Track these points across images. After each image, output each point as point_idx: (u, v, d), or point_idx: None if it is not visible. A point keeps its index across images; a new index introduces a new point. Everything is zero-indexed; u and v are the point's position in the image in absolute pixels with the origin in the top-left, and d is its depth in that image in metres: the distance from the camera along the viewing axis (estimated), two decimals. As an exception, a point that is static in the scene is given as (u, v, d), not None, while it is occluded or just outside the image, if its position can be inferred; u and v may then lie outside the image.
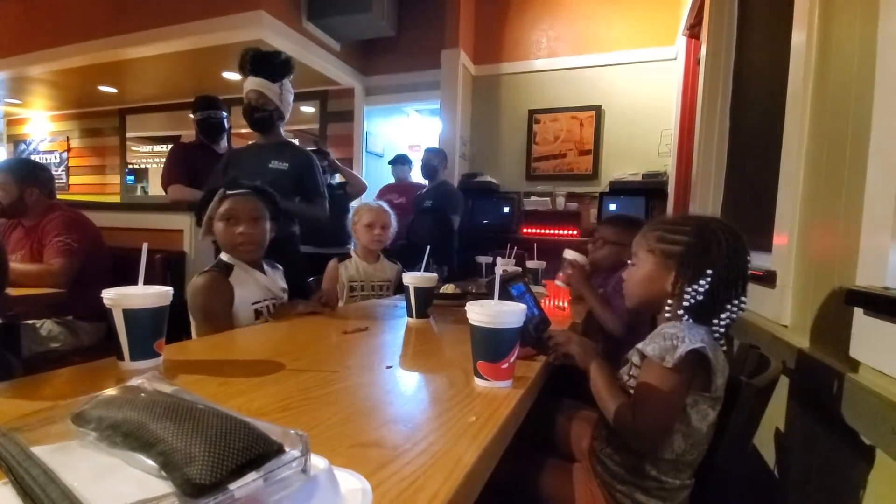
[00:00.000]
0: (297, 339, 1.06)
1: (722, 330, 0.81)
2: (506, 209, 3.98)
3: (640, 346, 0.80)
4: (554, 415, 1.16)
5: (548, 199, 3.98)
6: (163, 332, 0.77)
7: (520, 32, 4.20)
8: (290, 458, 0.27)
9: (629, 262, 0.96)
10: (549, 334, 0.95)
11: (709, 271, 0.81)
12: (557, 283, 1.62)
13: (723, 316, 0.81)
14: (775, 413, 1.05)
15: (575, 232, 3.75)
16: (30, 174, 1.96)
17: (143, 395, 0.32)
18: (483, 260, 2.54)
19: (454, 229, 3.46)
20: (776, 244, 1.25)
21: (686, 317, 0.80)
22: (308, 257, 2.47)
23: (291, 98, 2.12)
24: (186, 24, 3.49)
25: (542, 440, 1.14)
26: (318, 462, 0.30)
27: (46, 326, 1.90)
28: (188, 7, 3.46)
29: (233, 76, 4.31)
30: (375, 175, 4.93)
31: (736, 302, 0.81)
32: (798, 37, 1.21)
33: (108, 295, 0.72)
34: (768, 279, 1.21)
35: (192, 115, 2.72)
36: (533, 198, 4.00)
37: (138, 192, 5.62)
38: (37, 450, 0.28)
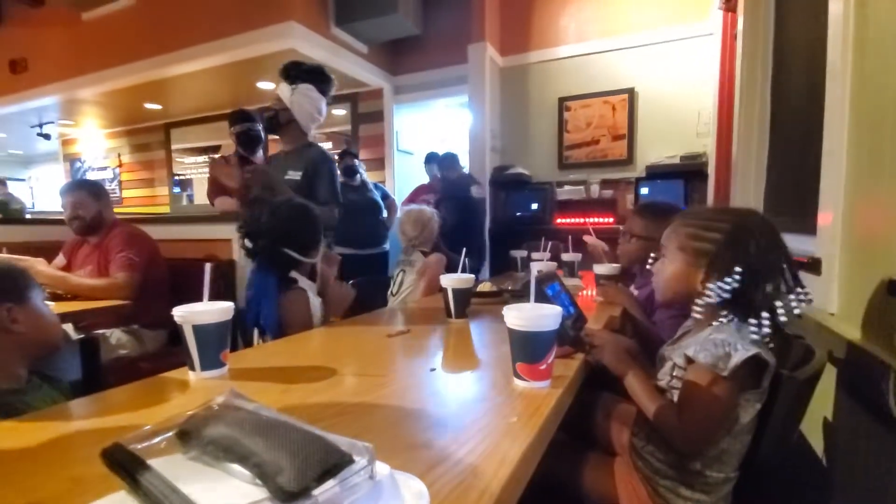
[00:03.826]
0: (344, 344, 1.12)
1: (764, 331, 0.78)
2: (539, 200, 3.96)
3: (688, 352, 0.81)
4: (593, 409, 1.18)
5: (581, 187, 3.93)
6: (227, 344, 0.85)
7: (546, 19, 4.14)
8: (359, 467, 0.32)
9: (652, 255, 0.97)
10: (587, 336, 0.97)
11: (738, 269, 0.79)
12: (598, 299, 1.61)
13: (764, 315, 0.79)
14: (823, 403, 1.03)
15: (611, 219, 3.69)
16: (100, 191, 2.14)
17: (231, 412, 0.38)
18: (518, 254, 2.55)
19: (476, 209, 3.47)
20: (821, 226, 1.21)
21: (728, 318, 0.80)
22: (345, 259, 2.56)
23: (309, 105, 2.06)
24: (222, 39, 3.65)
25: (583, 434, 1.16)
26: (381, 468, 0.35)
27: (115, 335, 2.07)
28: (223, 23, 3.61)
29: (267, 86, 4.47)
30: (407, 173, 5.00)
31: (780, 303, 0.79)
32: (835, 7, 1.17)
33: (179, 312, 0.80)
34: (813, 266, 1.18)
35: (230, 129, 2.85)
36: (566, 187, 3.96)
37: (184, 202, 5.93)
38: (152, 462, 0.34)
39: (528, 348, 0.75)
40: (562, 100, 4.10)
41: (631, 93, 3.87)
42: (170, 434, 0.37)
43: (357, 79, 4.34)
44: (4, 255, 1.94)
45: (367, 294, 1.98)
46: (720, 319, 0.82)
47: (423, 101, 4.85)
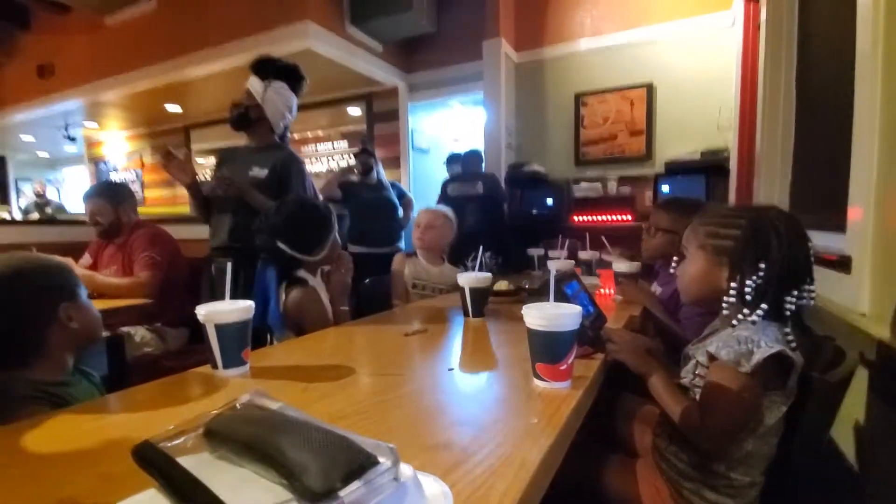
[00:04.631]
0: (362, 343, 1.13)
1: (786, 330, 0.77)
2: (555, 198, 3.92)
3: (710, 349, 0.79)
4: (615, 410, 1.17)
5: (598, 184, 3.88)
6: (248, 342, 0.86)
7: (562, 14, 4.09)
8: (384, 468, 0.32)
9: (675, 259, 0.95)
10: (606, 335, 0.95)
11: (762, 265, 0.78)
12: (615, 298, 1.59)
13: (785, 306, 0.78)
14: (855, 406, 1.00)
15: (629, 217, 3.64)
16: (120, 196, 2.19)
17: (256, 412, 0.38)
18: (535, 252, 2.53)
19: (504, 217, 3.48)
20: (851, 221, 1.17)
21: (754, 316, 0.78)
22: (357, 257, 2.54)
23: (281, 104, 1.99)
24: (239, 40, 3.70)
25: (604, 435, 1.15)
26: (405, 470, 0.35)
27: (140, 333, 2.12)
28: (240, 25, 3.66)
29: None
30: (422, 171, 5.01)
31: (796, 293, 0.78)
32: None
33: (202, 311, 0.81)
34: (842, 264, 1.15)
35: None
36: (583, 184, 3.91)
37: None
38: (181, 460, 0.35)
39: (547, 348, 0.74)
40: (578, 95, 4.05)
41: (649, 87, 3.80)
42: (197, 433, 0.38)
43: (372, 78, 4.35)
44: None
45: (379, 293, 1.96)
46: (743, 317, 0.80)
47: (438, 98, 4.85)
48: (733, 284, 0.80)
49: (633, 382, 1.10)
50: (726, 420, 0.77)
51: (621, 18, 3.87)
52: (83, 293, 0.97)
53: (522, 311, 0.77)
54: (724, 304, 0.82)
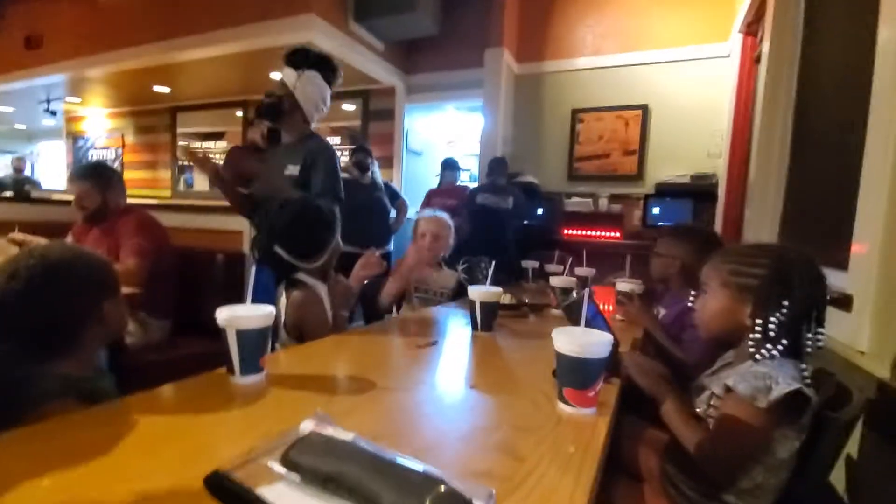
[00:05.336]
0: (375, 352, 1.11)
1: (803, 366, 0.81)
2: (547, 210, 3.96)
3: (728, 382, 0.81)
4: (618, 432, 1.18)
5: (590, 200, 3.94)
6: (267, 349, 0.83)
7: (564, 30, 4.15)
8: (484, 515, 0.31)
9: (693, 294, 0.97)
10: (619, 359, 0.96)
11: (785, 303, 0.81)
12: (617, 317, 1.61)
13: (803, 343, 0.81)
14: (850, 443, 1.03)
15: (618, 234, 3.71)
16: (108, 180, 2.09)
17: (336, 443, 0.37)
18: (529, 265, 2.54)
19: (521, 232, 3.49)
20: (854, 259, 1.21)
21: (773, 352, 0.80)
22: (348, 257, 2.50)
23: (315, 93, 1.95)
24: (239, 27, 3.61)
25: (609, 457, 1.16)
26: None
27: (122, 322, 2.03)
28: (241, 11, 3.58)
29: (280, 76, 4.43)
30: (414, 173, 4.99)
31: (810, 335, 0.81)
32: (887, 32, 1.17)
33: (223, 315, 0.78)
34: (842, 302, 1.19)
35: (263, 121, 2.72)
36: (575, 198, 3.97)
37: (181, 186, 5.88)
38: (260, 491, 0.33)
39: (578, 374, 0.74)
40: (575, 111, 4.11)
41: (644, 109, 3.89)
42: (266, 460, 0.36)
43: (370, 76, 4.31)
44: (18, 234, 1.90)
45: (369, 294, 1.91)
46: (763, 352, 0.82)
47: (435, 102, 4.84)
48: (758, 321, 0.82)
49: (637, 405, 1.11)
50: (735, 451, 0.79)
51: (621, 40, 3.95)
52: (120, 290, 0.95)
53: (553, 335, 0.77)
54: (749, 342, 0.84)
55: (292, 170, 1.89)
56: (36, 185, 5.56)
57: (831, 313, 1.22)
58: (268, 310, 0.81)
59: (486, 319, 1.25)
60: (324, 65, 1.98)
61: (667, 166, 3.78)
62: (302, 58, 1.95)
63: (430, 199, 3.82)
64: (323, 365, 0.98)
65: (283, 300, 1.36)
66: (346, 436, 0.39)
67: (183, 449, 0.57)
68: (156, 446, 0.58)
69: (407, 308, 1.84)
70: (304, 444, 0.37)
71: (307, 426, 0.40)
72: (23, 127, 7.62)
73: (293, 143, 1.99)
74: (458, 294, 1.83)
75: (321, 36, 3.49)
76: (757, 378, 0.78)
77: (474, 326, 1.27)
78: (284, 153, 1.98)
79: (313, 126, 2.04)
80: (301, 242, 1.37)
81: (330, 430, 0.40)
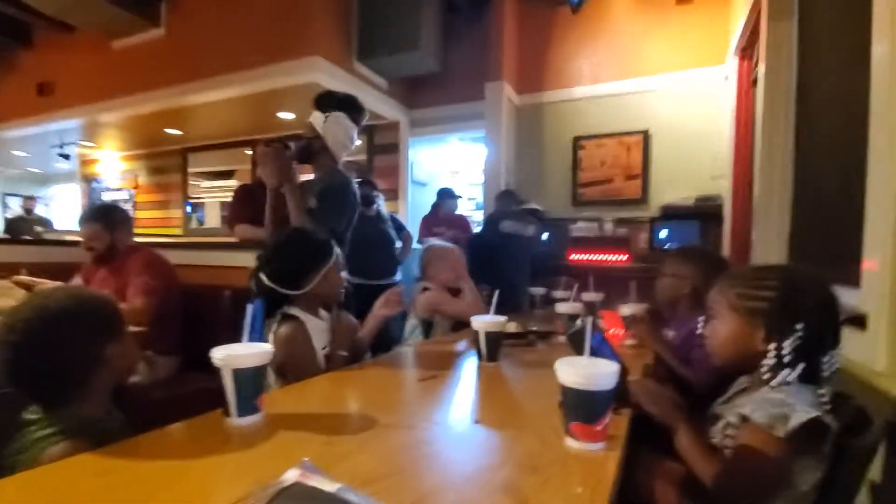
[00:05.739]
0: (376, 388, 1.08)
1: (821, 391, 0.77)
2: (553, 236, 3.95)
3: (744, 411, 0.78)
4: (632, 465, 1.13)
5: (595, 224, 3.93)
6: (263, 388, 0.82)
7: (562, 61, 4.24)
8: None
9: (702, 319, 0.95)
10: (627, 388, 0.93)
11: (798, 325, 0.78)
12: (626, 342, 1.58)
13: (821, 367, 0.78)
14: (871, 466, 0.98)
15: (625, 257, 3.68)
16: (116, 220, 2.13)
17: (321, 494, 0.35)
18: (536, 291, 2.52)
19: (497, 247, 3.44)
20: (866, 275, 1.18)
21: (789, 378, 0.77)
22: (356, 288, 2.47)
23: (342, 133, 2.01)
24: (247, 71, 3.74)
25: (621, 490, 1.10)
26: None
27: (129, 362, 2.03)
28: (249, 56, 3.71)
29: (287, 116, 4.56)
30: (420, 203, 5.03)
31: (826, 358, 0.79)
32: (880, 48, 1.17)
33: (219, 355, 0.77)
34: (856, 321, 1.15)
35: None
36: (580, 223, 3.96)
37: (193, 224, 5.98)
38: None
39: (585, 408, 0.71)
40: (576, 138, 4.15)
41: (645, 134, 3.92)
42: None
43: (375, 112, 4.41)
44: (24, 277, 1.92)
45: (387, 325, 1.92)
46: (778, 378, 0.79)
47: (438, 134, 4.93)
48: (772, 345, 0.79)
49: (652, 435, 1.07)
50: (752, 483, 0.75)
51: (619, 68, 4.03)
52: (126, 328, 0.95)
53: (556, 367, 0.74)
54: (763, 367, 0.81)
55: (311, 202, 1.93)
56: (47, 224, 5.68)
57: (846, 333, 1.19)
58: (265, 348, 0.80)
59: (491, 349, 1.23)
60: (349, 104, 2.06)
61: (670, 189, 3.78)
62: (327, 100, 2.03)
63: (431, 228, 3.82)
64: (323, 402, 0.96)
65: (270, 336, 1.26)
66: (331, 486, 0.37)
67: (177, 496, 0.56)
68: (153, 493, 0.56)
69: (438, 334, 1.86)
70: (285, 497, 0.35)
71: (292, 475, 0.38)
72: (37, 171, 7.85)
73: (317, 179, 2.06)
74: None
75: (326, 76, 3.60)
76: (774, 406, 0.74)
77: (479, 357, 1.24)
78: (308, 188, 2.03)
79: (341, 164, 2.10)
80: (283, 267, 1.31)
81: (315, 481, 0.38)
